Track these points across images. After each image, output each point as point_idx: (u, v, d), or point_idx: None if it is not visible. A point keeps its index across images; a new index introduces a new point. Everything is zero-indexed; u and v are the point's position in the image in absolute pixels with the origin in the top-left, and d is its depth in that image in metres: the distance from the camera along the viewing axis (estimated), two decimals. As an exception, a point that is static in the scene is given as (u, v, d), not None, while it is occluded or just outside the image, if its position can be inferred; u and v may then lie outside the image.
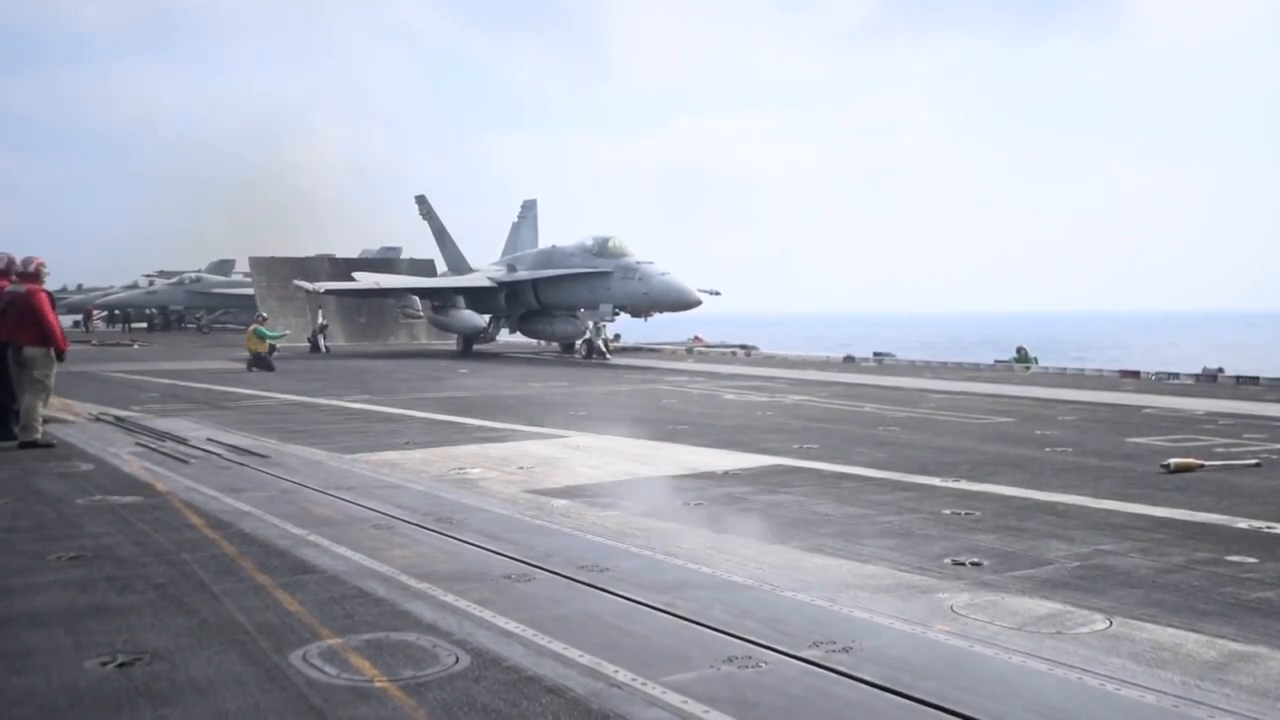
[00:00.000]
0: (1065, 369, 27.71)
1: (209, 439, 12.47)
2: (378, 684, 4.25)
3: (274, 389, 21.05)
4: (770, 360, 32.34)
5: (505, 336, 40.16)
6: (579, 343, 34.01)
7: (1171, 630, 5.03)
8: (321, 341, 37.80)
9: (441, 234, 44.49)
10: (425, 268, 48.32)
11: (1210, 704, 4.06)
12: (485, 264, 41.73)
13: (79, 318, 66.74)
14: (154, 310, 68.12)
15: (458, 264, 43.32)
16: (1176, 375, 24.06)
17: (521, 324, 37.59)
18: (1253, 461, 10.59)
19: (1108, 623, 5.13)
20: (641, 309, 33.65)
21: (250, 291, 50.33)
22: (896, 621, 5.14)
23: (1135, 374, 25.04)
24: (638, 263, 32.33)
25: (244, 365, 27.55)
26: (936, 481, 9.52)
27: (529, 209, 44.86)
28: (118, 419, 14.83)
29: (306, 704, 4.06)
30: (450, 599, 5.51)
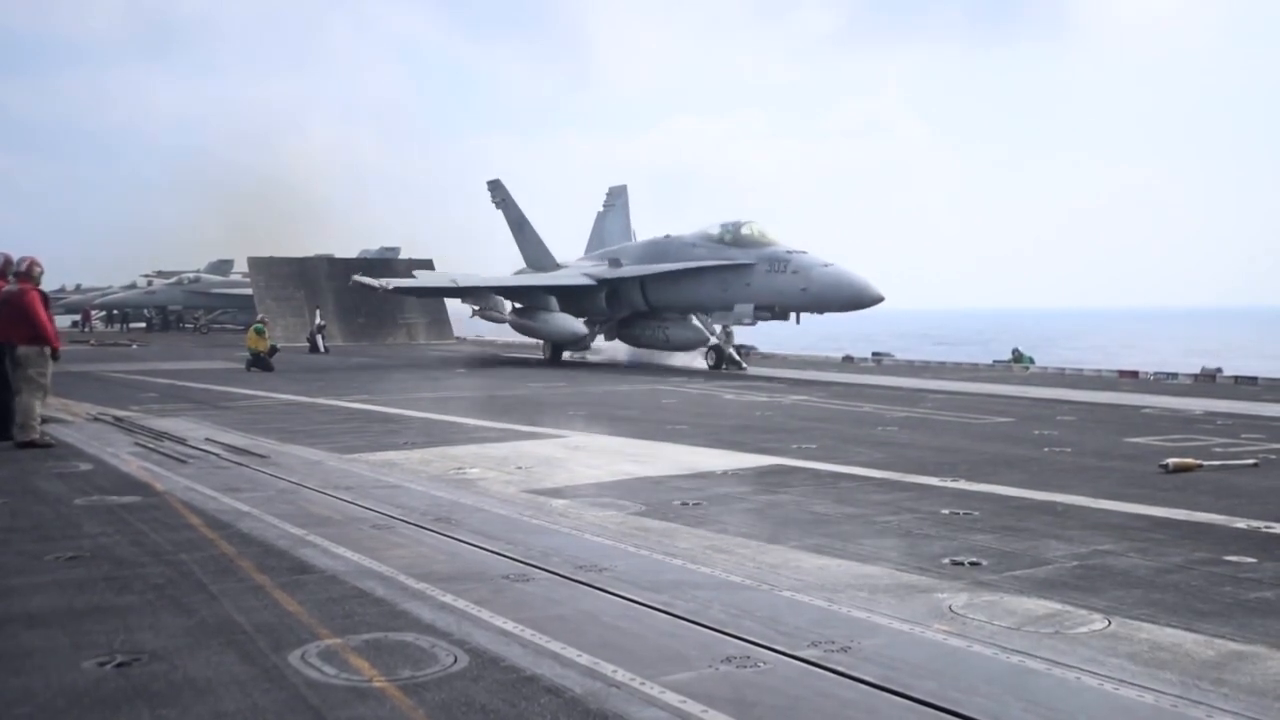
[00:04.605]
0: (1064, 369, 27.72)
1: (207, 439, 12.47)
2: (376, 684, 4.25)
3: (273, 389, 21.05)
4: (768, 360, 32.33)
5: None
6: (705, 350, 28.60)
7: (1170, 630, 5.03)
8: (320, 341, 37.80)
9: (520, 224, 38.15)
10: (424, 267, 47.94)
11: (1208, 703, 4.06)
12: (571, 259, 36.32)
13: (77, 318, 66.73)
14: (152, 310, 68.11)
15: (539, 259, 36.84)
16: (1175, 375, 24.09)
17: (622, 330, 31.63)
18: (1251, 461, 10.59)
19: (1106, 622, 5.13)
20: (798, 309, 26.56)
21: (249, 291, 50.32)
22: (895, 621, 5.15)
23: (1134, 374, 25.07)
24: (788, 252, 26.14)
25: (242, 365, 27.55)
26: (935, 481, 9.52)
27: (616, 196, 38.72)
28: (116, 419, 14.82)
29: (305, 704, 4.05)
30: (449, 599, 5.51)
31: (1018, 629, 5.04)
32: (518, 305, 32.17)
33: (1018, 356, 32.45)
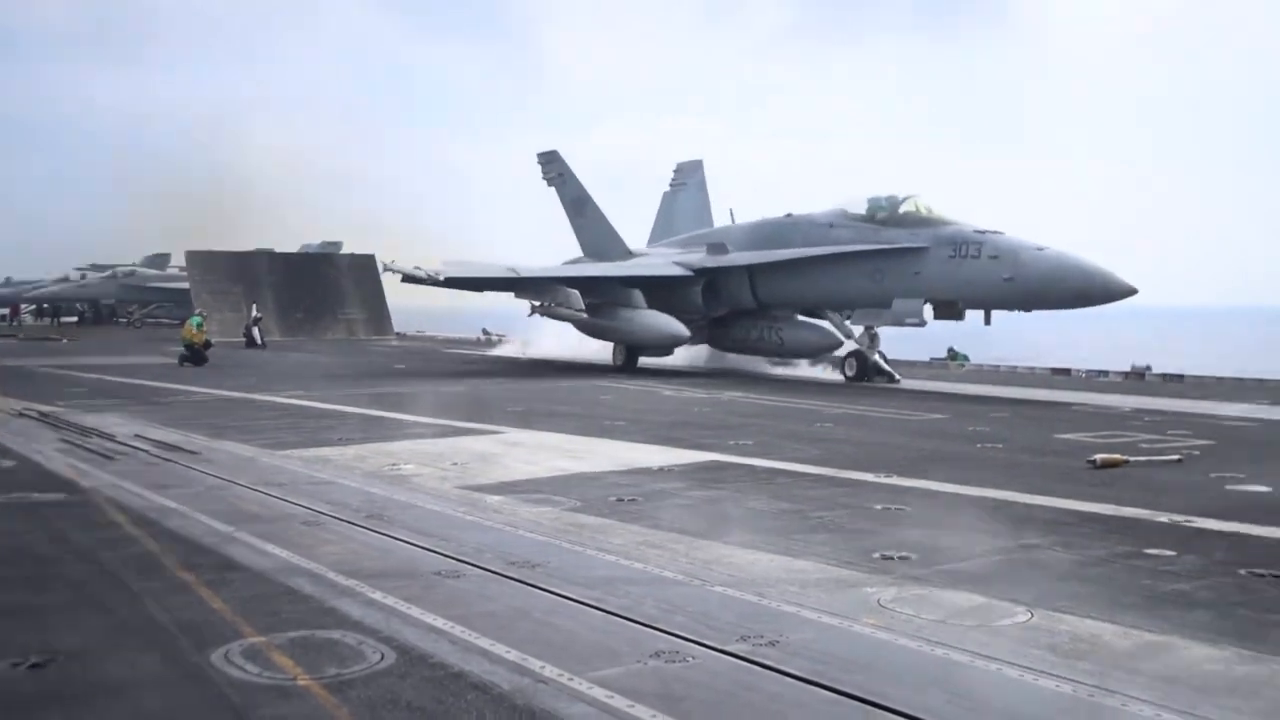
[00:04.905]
0: (999, 366, 28.17)
1: (136, 435, 12.21)
2: (300, 682, 4.19)
3: (206, 384, 20.65)
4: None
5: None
6: (843, 355, 22.90)
7: (1090, 621, 5.14)
8: (257, 334, 37.13)
9: (580, 204, 31.64)
10: (365, 263, 46.91)
11: (1123, 693, 4.15)
12: (641, 246, 30.68)
13: (5, 312, 65.03)
14: (84, 304, 66.58)
15: (604, 245, 30.52)
16: (1106, 373, 24.63)
17: (717, 330, 25.92)
18: (1175, 457, 10.85)
19: (1029, 615, 5.22)
20: (994, 305, 20.30)
21: (185, 285, 49.35)
22: (824, 615, 5.19)
23: (1066, 371, 25.58)
24: (979, 232, 19.91)
25: (176, 360, 27.02)
26: (869, 477, 9.62)
27: (689, 173, 32.84)
28: (42, 414, 14.45)
29: (226, 703, 3.99)
30: (378, 596, 5.45)
31: (944, 622, 5.11)
32: (591, 302, 25.34)
33: (953, 354, 32.92)
